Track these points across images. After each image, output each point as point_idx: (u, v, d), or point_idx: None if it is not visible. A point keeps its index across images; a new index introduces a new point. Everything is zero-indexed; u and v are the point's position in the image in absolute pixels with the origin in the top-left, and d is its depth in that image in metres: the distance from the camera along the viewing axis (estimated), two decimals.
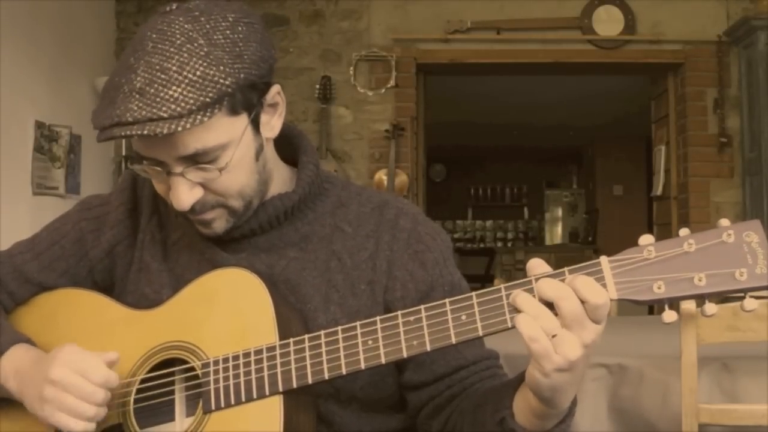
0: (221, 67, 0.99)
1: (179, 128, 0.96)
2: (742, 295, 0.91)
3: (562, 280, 0.92)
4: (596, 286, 0.89)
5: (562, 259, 8.58)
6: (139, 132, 0.96)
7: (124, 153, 4.66)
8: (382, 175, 4.74)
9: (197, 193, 1.06)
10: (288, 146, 1.22)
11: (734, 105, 4.71)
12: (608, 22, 4.78)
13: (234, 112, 1.03)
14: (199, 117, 0.98)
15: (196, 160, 1.03)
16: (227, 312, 1.07)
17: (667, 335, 1.85)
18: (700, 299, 0.91)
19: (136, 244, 1.21)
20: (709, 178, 4.74)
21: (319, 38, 4.86)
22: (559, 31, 4.81)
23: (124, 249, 1.21)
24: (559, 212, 11.29)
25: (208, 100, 0.98)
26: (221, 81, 0.99)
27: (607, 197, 9.63)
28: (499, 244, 11.47)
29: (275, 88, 1.10)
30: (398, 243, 1.16)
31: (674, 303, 0.92)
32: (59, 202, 4.03)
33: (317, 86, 4.75)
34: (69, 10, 4.25)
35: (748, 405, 1.77)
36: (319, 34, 4.86)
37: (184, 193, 1.05)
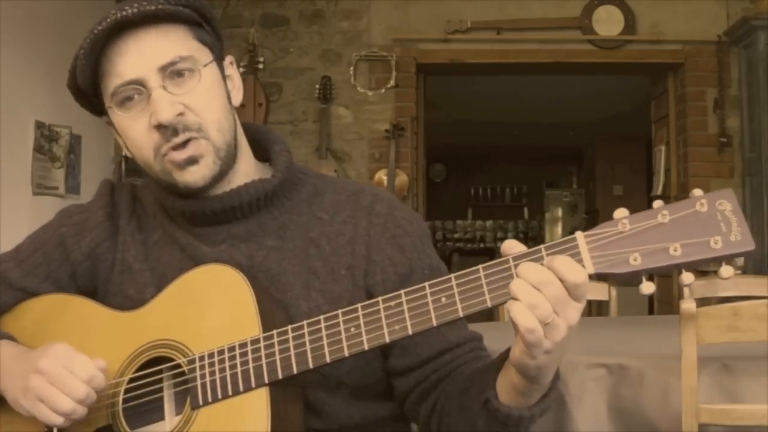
0: None
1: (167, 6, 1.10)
2: (719, 264, 0.91)
3: (539, 259, 0.92)
4: (575, 265, 0.90)
5: None
6: (137, 8, 1.09)
7: (124, 153, 4.66)
8: (382, 175, 4.74)
9: (178, 108, 1.09)
10: (257, 144, 1.24)
11: (734, 105, 4.71)
12: (608, 22, 4.78)
13: (202, 42, 1.15)
14: (181, 8, 1.12)
15: (174, 71, 1.10)
16: (210, 308, 1.08)
17: (667, 335, 1.85)
18: (677, 269, 0.92)
19: (117, 247, 1.22)
20: (709, 178, 4.73)
21: (319, 38, 4.86)
22: (559, 31, 4.81)
23: (105, 251, 1.22)
24: (559, 212, 11.29)
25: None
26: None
27: (607, 197, 9.62)
28: (499, 244, 11.41)
29: (229, 57, 1.22)
30: (375, 228, 1.17)
31: (652, 274, 0.93)
32: (59, 202, 4.03)
33: (317, 86, 4.75)
34: (69, 10, 4.25)
35: (748, 405, 1.77)
36: (319, 34, 4.86)
37: (166, 104, 1.09)
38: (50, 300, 1.21)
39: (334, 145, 4.80)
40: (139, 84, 1.10)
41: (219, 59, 1.18)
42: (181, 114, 1.10)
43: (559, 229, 11.19)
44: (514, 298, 0.90)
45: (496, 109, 8.50)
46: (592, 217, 9.80)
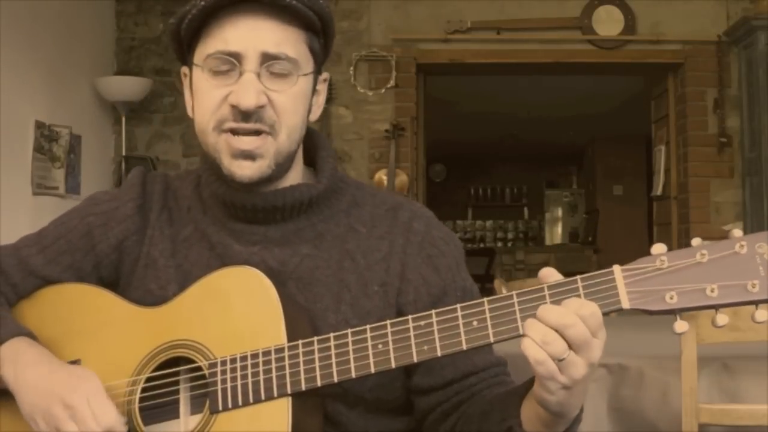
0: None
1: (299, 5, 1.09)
2: (754, 306, 0.91)
3: (575, 290, 0.92)
4: (581, 300, 0.91)
5: (562, 259, 8.58)
6: None
7: (123, 153, 4.66)
8: (382, 175, 4.74)
9: (262, 99, 1.08)
10: (304, 147, 1.22)
11: (734, 105, 4.71)
12: (608, 22, 4.78)
13: (312, 50, 1.14)
14: (311, 12, 1.10)
15: (272, 66, 1.09)
16: (235, 311, 1.07)
17: (667, 335, 1.85)
18: (712, 310, 0.92)
19: (144, 240, 1.20)
20: (709, 178, 4.74)
21: None
22: (559, 31, 4.81)
23: (132, 244, 1.20)
24: (559, 212, 11.29)
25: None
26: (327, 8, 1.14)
27: (607, 197, 9.62)
28: (499, 244, 11.47)
29: (325, 74, 1.21)
30: (412, 246, 1.16)
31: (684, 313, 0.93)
32: (59, 202, 4.03)
33: None
34: (69, 10, 4.25)
35: (748, 405, 1.77)
36: None
37: (253, 91, 1.07)
38: (70, 289, 1.20)
39: (334, 145, 4.79)
40: (237, 59, 1.08)
41: (317, 72, 1.17)
42: (262, 106, 1.08)
43: (559, 229, 11.19)
44: (527, 336, 0.91)
45: (495, 109, 8.50)
46: (592, 217, 9.80)
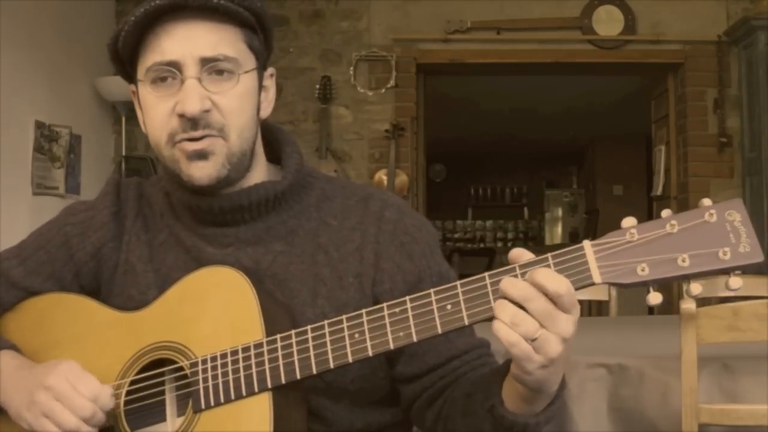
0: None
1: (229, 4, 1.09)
2: (727, 274, 0.91)
3: (547, 266, 0.92)
4: (555, 276, 0.89)
5: None
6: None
7: (123, 153, 4.66)
8: (382, 175, 4.74)
9: (206, 104, 1.08)
10: (269, 144, 1.23)
11: (734, 105, 4.71)
12: (608, 22, 4.78)
13: (251, 47, 1.14)
14: (241, 9, 1.10)
15: (213, 68, 1.09)
16: (214, 311, 1.08)
17: (667, 335, 1.85)
18: (685, 280, 0.91)
19: (121, 247, 1.22)
20: (709, 178, 4.74)
21: (319, 38, 4.86)
22: (558, 31, 4.81)
23: (110, 251, 1.21)
24: (559, 212, 11.28)
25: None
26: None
27: (607, 197, 9.62)
28: (499, 244, 11.46)
29: (271, 69, 1.21)
30: (384, 235, 1.16)
31: (660, 285, 0.92)
32: (59, 202, 4.03)
33: (317, 86, 4.75)
34: (69, 10, 4.25)
35: (748, 405, 1.77)
36: (319, 34, 4.86)
37: (196, 97, 1.08)
38: (52, 299, 1.21)
39: (334, 145, 4.80)
40: (177, 68, 1.09)
41: (261, 68, 1.17)
42: (207, 111, 1.09)
43: (559, 229, 11.18)
44: (497, 318, 0.90)
45: (495, 108, 8.50)
46: (592, 217, 9.79)
